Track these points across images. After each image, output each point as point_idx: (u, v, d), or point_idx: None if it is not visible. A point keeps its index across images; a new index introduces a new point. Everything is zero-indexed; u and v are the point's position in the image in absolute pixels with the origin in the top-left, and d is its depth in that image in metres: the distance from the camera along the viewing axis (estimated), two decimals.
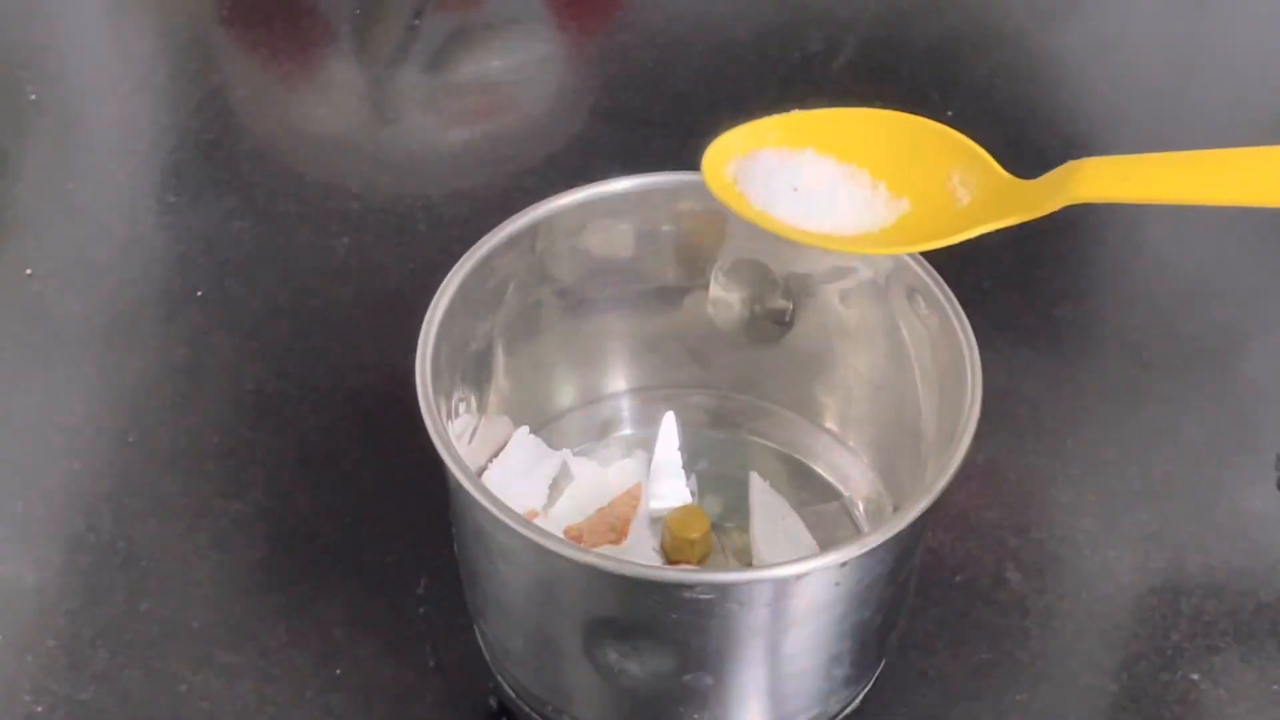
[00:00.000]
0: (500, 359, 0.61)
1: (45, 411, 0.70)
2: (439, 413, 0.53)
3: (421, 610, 0.63)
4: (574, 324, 0.63)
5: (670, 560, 0.60)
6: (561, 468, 0.64)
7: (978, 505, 0.67)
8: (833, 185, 0.55)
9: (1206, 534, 0.66)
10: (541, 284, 0.61)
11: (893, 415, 0.61)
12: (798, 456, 0.65)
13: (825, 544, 0.62)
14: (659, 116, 0.84)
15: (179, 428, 0.69)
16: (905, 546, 0.54)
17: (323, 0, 0.92)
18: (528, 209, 0.59)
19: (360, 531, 0.66)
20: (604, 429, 0.66)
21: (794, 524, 0.63)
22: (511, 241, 0.58)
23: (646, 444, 0.65)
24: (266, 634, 0.62)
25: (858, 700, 0.59)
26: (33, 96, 0.85)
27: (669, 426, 0.65)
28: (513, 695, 0.59)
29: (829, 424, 0.65)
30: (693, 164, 0.57)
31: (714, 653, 0.52)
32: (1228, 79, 0.89)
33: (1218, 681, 0.62)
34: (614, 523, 0.61)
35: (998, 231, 0.79)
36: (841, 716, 0.59)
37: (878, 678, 0.60)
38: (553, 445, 0.64)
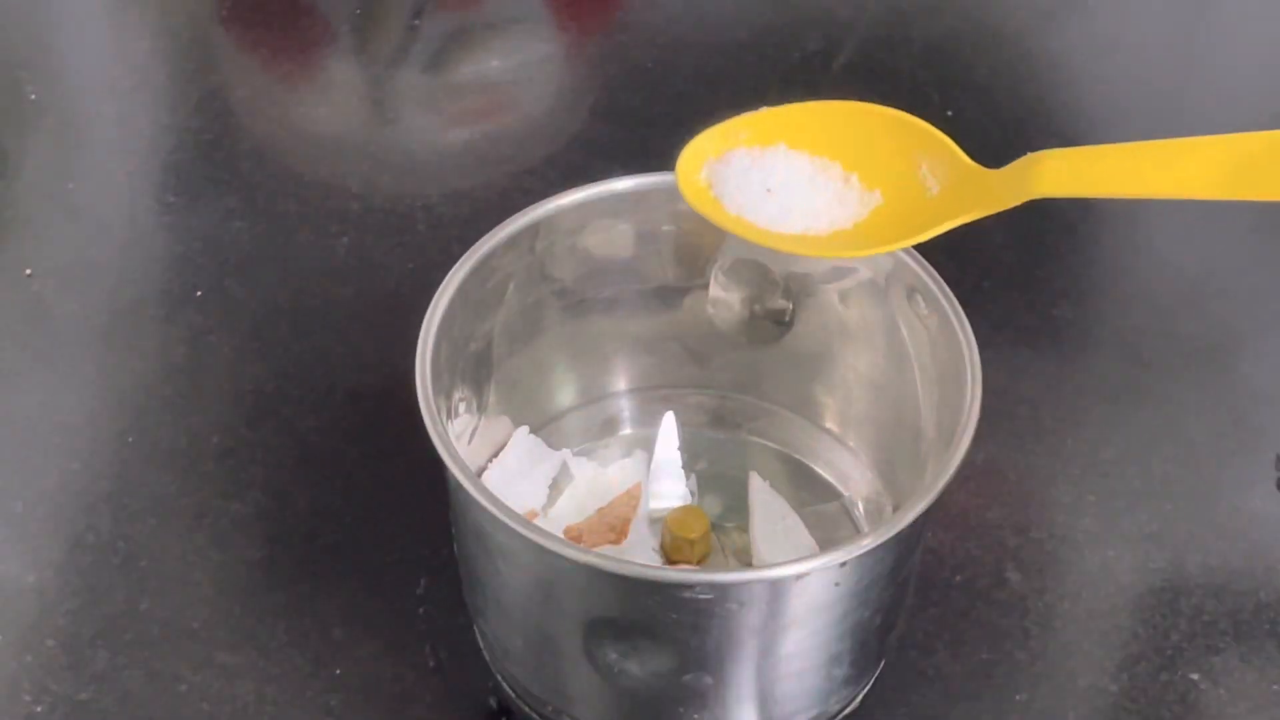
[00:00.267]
0: (500, 359, 0.61)
1: (45, 411, 0.70)
2: (439, 413, 0.53)
3: (421, 610, 0.63)
4: (574, 324, 0.63)
5: (670, 560, 0.60)
6: (561, 468, 0.64)
7: (978, 505, 0.67)
8: (806, 181, 0.55)
9: (1206, 534, 0.66)
10: (541, 284, 0.61)
11: (893, 415, 0.61)
12: (798, 456, 0.65)
13: (825, 544, 0.62)
14: (659, 116, 0.84)
15: (179, 428, 0.69)
16: (905, 546, 0.54)
17: (323, 0, 0.92)
18: (528, 209, 0.59)
19: (360, 531, 0.66)
20: (604, 429, 0.66)
21: (794, 524, 0.63)
22: (511, 241, 0.58)
23: (646, 444, 0.65)
24: (266, 634, 0.62)
25: (857, 700, 0.59)
26: (33, 96, 0.85)
27: (669, 426, 0.65)
28: (513, 695, 0.59)
29: (829, 424, 0.65)
30: None
31: (713, 653, 0.52)
32: (1228, 79, 0.89)
33: (1218, 681, 0.62)
34: (614, 523, 0.61)
35: (998, 232, 0.79)
36: (841, 716, 0.59)
37: (877, 678, 0.60)
38: (553, 445, 0.64)
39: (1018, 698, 0.61)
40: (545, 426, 0.65)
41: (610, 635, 0.52)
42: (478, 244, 0.58)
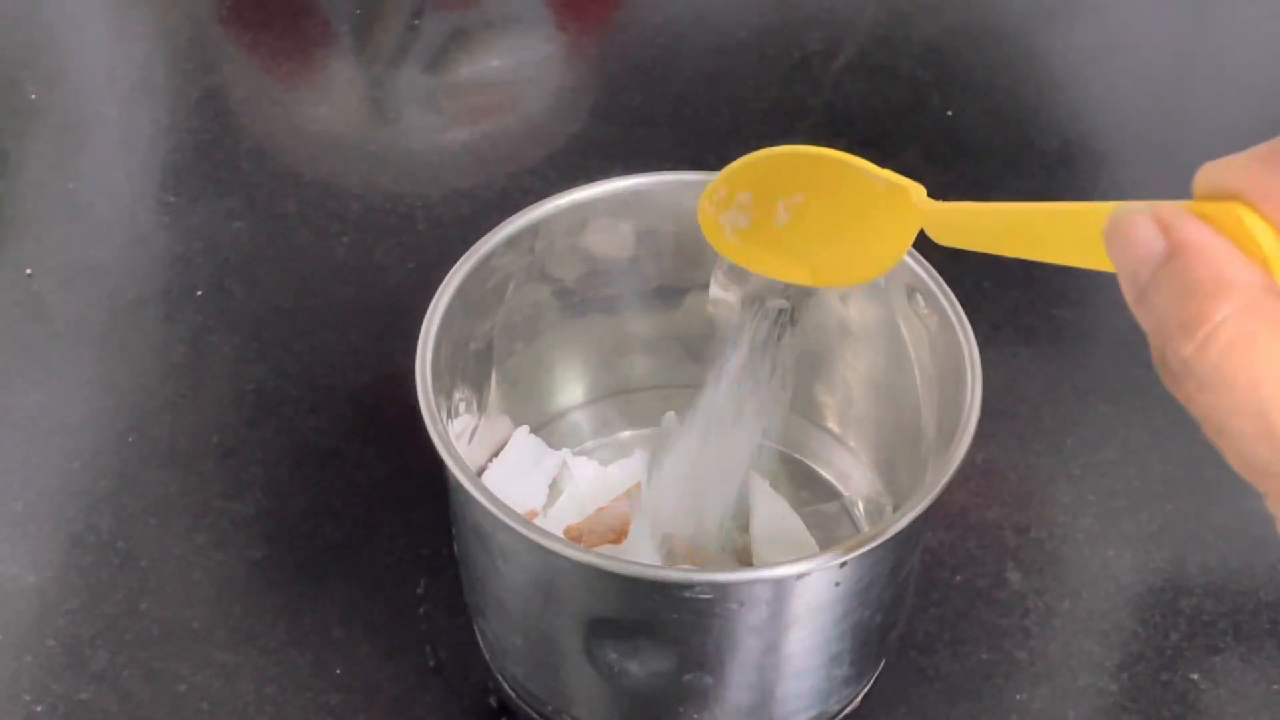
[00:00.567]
0: (500, 359, 0.61)
1: (45, 411, 0.70)
2: (439, 413, 0.53)
3: (421, 610, 0.63)
4: (574, 324, 0.63)
5: (670, 560, 0.60)
6: (561, 468, 0.64)
7: (978, 505, 0.67)
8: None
9: (1206, 534, 0.66)
10: (541, 284, 0.61)
11: (893, 415, 0.61)
12: (798, 456, 0.66)
13: (825, 544, 0.62)
14: (659, 116, 0.84)
15: (179, 428, 0.69)
16: (905, 546, 0.54)
17: (323, 0, 0.92)
18: (528, 209, 0.59)
19: (360, 531, 0.66)
20: (604, 429, 0.66)
21: (794, 524, 0.63)
22: (511, 241, 0.58)
23: (646, 444, 0.65)
24: (266, 634, 0.62)
25: (858, 700, 0.59)
26: (33, 96, 0.85)
27: (669, 426, 0.65)
28: (513, 695, 0.59)
29: (829, 424, 0.65)
30: (693, 164, 0.57)
31: (714, 653, 0.52)
32: (1228, 79, 0.89)
33: (1218, 681, 0.62)
34: (614, 523, 0.61)
35: None
36: (841, 716, 0.59)
37: (877, 677, 0.60)
38: (553, 445, 0.64)
39: (1018, 698, 0.61)
40: (545, 426, 0.65)
41: (610, 635, 0.52)
42: (478, 244, 0.58)
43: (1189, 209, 0.35)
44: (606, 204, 0.60)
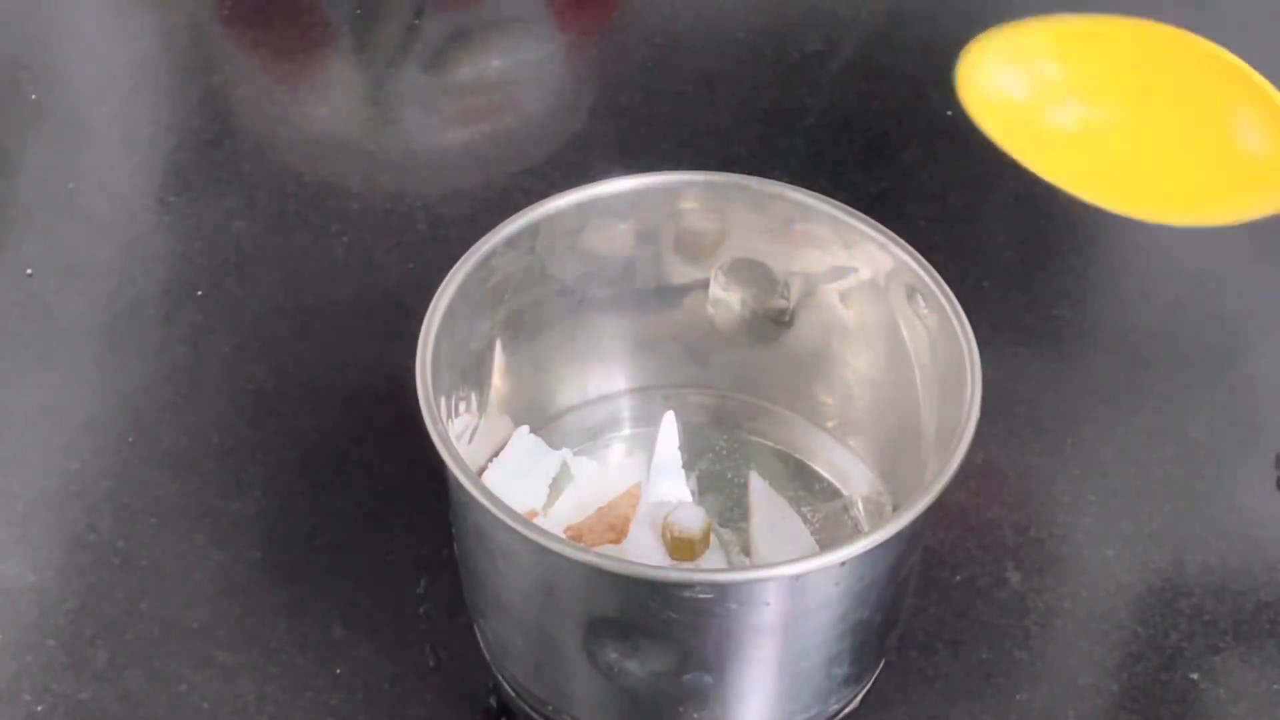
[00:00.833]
0: (500, 359, 0.61)
1: (45, 411, 0.70)
2: (439, 412, 0.53)
3: (421, 610, 0.63)
4: (574, 324, 0.63)
5: (670, 560, 0.60)
6: (561, 467, 0.64)
7: (978, 505, 0.67)
8: None
9: (1206, 534, 0.66)
10: (541, 284, 0.61)
11: (893, 415, 0.61)
12: (798, 456, 0.66)
13: (825, 544, 0.62)
14: (659, 116, 0.84)
15: (179, 428, 0.69)
16: (905, 546, 0.54)
17: (323, 0, 0.92)
18: (528, 209, 0.59)
19: (360, 531, 0.66)
20: (604, 429, 0.66)
21: (794, 524, 0.63)
22: (511, 241, 0.58)
23: (646, 444, 0.65)
24: (266, 634, 0.62)
25: (858, 700, 0.59)
26: (33, 96, 0.85)
27: (669, 426, 0.65)
28: (513, 695, 0.59)
29: (829, 424, 0.65)
30: (693, 164, 0.57)
31: (714, 652, 0.52)
32: None
33: (1218, 681, 0.62)
34: (614, 522, 0.61)
35: (998, 232, 0.79)
36: (841, 716, 0.59)
37: (878, 677, 0.60)
38: (553, 445, 0.64)
39: (1018, 698, 0.61)
40: (545, 426, 0.65)
41: (610, 635, 0.52)
42: (478, 244, 0.58)
43: None
44: (606, 204, 0.60)
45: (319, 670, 0.61)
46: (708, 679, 0.53)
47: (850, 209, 0.59)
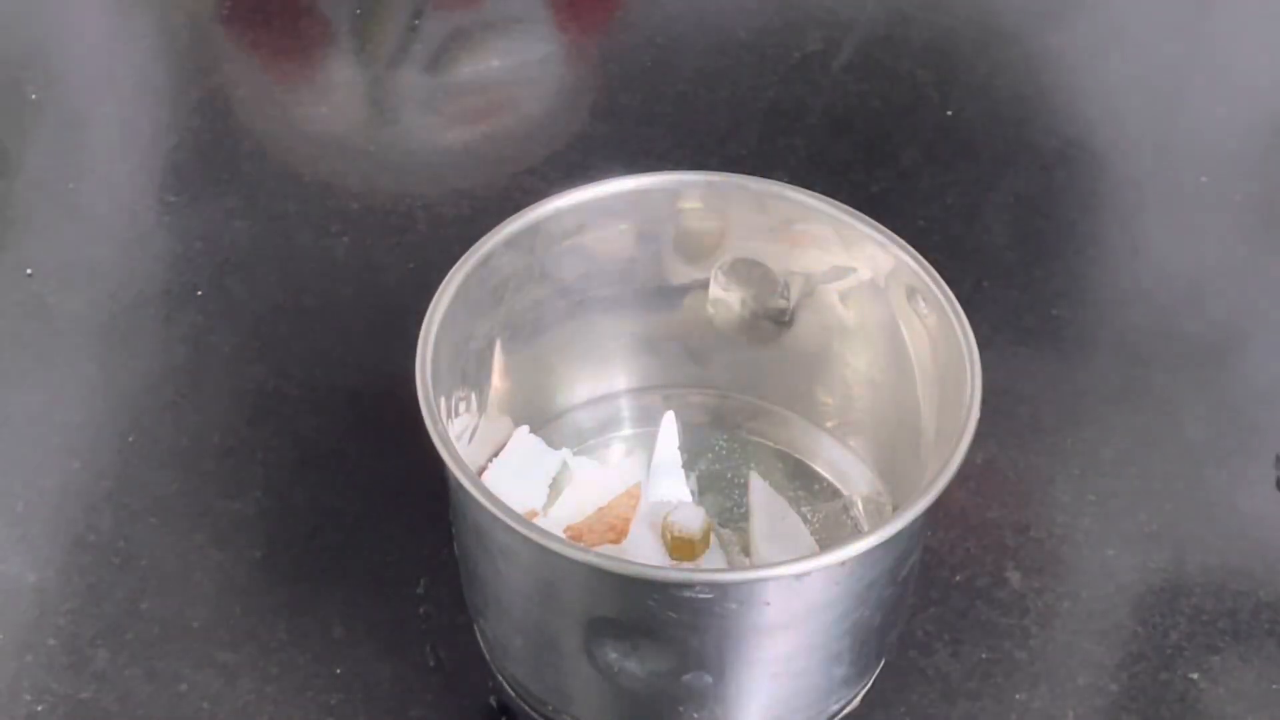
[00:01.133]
0: (500, 359, 0.61)
1: (45, 411, 0.70)
2: (439, 412, 0.53)
3: (421, 610, 0.63)
4: (574, 324, 0.63)
5: (670, 560, 0.60)
6: (561, 467, 0.64)
7: (978, 505, 0.67)
8: None
9: (1206, 534, 0.66)
10: (541, 284, 0.61)
11: (893, 415, 0.61)
12: (798, 456, 0.65)
13: (825, 544, 0.62)
14: (659, 116, 0.84)
15: (179, 428, 0.69)
16: (905, 546, 0.54)
17: (323, 0, 0.92)
18: (528, 209, 0.59)
19: (360, 531, 0.66)
20: (604, 429, 0.66)
21: (794, 524, 0.63)
22: (511, 241, 0.58)
23: (646, 444, 0.65)
24: (266, 634, 0.62)
25: (857, 700, 0.59)
26: (33, 96, 0.85)
27: (669, 426, 0.65)
28: (513, 695, 0.59)
29: (829, 424, 0.65)
30: (693, 164, 0.57)
31: (714, 652, 0.52)
32: (1228, 79, 0.89)
33: (1217, 681, 0.62)
34: (614, 522, 0.61)
35: (998, 232, 0.79)
36: (841, 716, 0.59)
37: (877, 677, 0.60)
38: (553, 445, 0.64)
39: (1018, 698, 0.61)
40: (545, 426, 0.65)
41: (610, 635, 0.52)
42: (478, 244, 0.58)
43: None
44: (606, 204, 0.60)
45: (319, 670, 0.61)
46: (708, 679, 0.53)
47: (850, 209, 0.59)
